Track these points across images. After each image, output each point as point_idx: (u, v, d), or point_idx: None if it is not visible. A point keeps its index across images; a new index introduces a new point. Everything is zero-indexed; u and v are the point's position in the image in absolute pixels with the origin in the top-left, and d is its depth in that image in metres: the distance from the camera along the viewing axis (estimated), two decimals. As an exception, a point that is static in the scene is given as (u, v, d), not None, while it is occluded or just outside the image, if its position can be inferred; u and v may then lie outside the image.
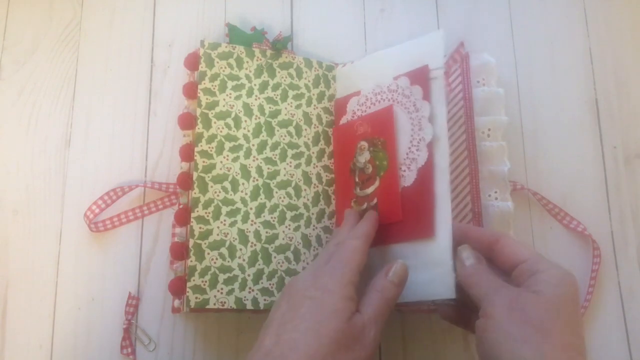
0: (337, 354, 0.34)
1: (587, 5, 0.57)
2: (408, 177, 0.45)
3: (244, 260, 0.47)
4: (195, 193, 0.48)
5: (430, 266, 0.42)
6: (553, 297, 0.34)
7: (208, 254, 0.47)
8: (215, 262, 0.46)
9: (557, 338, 0.32)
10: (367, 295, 0.38)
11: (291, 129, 0.51)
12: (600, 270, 0.49)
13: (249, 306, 0.46)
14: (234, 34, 0.53)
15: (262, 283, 0.47)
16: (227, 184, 0.49)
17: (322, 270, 0.38)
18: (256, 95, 0.52)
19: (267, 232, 0.48)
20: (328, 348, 0.34)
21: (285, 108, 0.52)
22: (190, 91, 0.51)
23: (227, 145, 0.50)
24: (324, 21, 0.57)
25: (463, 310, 0.42)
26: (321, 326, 0.34)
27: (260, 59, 0.53)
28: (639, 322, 0.49)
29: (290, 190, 0.50)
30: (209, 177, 0.48)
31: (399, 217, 0.45)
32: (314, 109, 0.53)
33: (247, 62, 0.52)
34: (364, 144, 0.48)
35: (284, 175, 0.50)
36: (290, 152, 0.51)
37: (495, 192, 0.49)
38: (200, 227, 0.47)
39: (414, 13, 0.57)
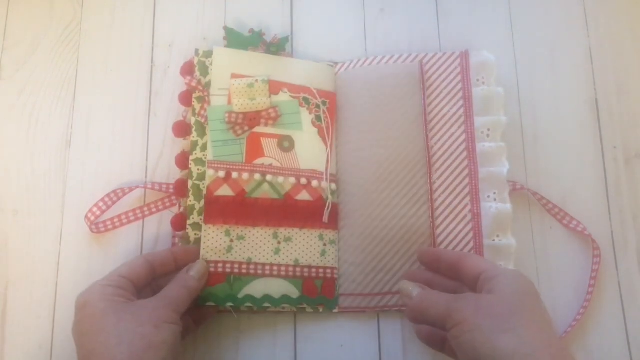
0: None
1: (587, 5, 0.57)
2: None
3: None
4: (190, 200, 0.48)
5: None
6: (509, 292, 0.37)
7: None
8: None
9: (528, 322, 0.35)
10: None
11: None
12: (600, 270, 0.49)
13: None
14: (232, 37, 0.53)
15: None
16: None
17: None
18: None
19: None
20: None
21: None
22: (186, 99, 0.51)
23: None
24: (324, 21, 0.57)
25: (438, 331, 0.43)
26: None
27: None
28: (639, 322, 0.49)
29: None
30: (203, 184, 0.48)
31: None
32: None
33: None
34: None
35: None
36: None
37: (494, 193, 0.48)
38: (195, 234, 0.47)
39: (414, 13, 0.57)
